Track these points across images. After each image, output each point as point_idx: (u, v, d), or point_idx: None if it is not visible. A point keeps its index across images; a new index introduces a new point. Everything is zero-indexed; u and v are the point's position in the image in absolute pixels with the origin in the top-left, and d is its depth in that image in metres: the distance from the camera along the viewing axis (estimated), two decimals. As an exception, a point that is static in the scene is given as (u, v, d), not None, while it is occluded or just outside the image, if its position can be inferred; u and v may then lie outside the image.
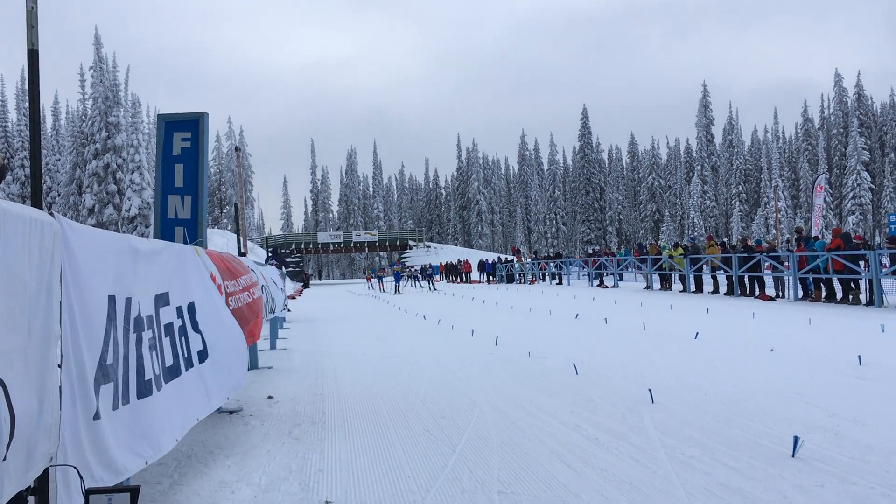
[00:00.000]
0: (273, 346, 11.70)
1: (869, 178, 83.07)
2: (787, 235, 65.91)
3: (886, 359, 8.18)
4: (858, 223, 77.39)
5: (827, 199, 79.98)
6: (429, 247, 79.17)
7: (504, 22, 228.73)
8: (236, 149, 28.68)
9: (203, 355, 4.47)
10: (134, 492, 2.52)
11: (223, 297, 5.17)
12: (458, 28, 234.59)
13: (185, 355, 4.19)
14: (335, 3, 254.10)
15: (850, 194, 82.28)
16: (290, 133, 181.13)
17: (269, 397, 7.12)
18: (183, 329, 4.21)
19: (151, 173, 56.73)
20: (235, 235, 10.22)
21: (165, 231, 6.28)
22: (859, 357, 7.95)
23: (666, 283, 25.85)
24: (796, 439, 4.42)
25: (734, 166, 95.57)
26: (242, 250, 29.81)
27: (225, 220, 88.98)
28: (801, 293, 18.37)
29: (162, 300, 3.83)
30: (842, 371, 7.48)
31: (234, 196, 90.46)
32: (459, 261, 56.23)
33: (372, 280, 44.62)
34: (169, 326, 3.90)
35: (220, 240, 56.14)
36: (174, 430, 3.71)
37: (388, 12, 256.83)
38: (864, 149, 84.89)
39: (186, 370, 4.14)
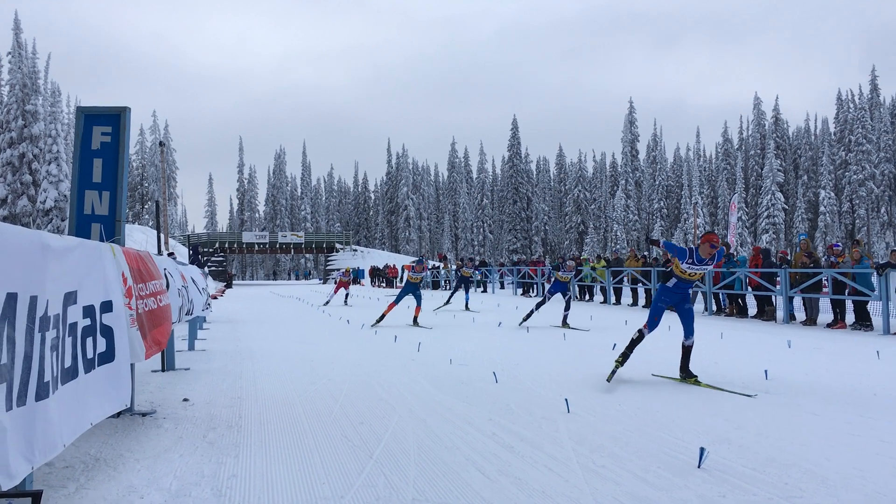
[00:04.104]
0: (191, 347, 11.46)
1: (783, 199, 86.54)
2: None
3: (791, 374, 8.55)
4: (772, 241, 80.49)
5: (743, 217, 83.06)
6: (355, 250, 78.78)
7: (441, 29, 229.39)
8: (161, 144, 28.07)
9: (107, 357, 4.35)
10: (36, 496, 2.45)
11: (132, 299, 5.04)
12: (393, 33, 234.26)
13: (90, 356, 4.06)
14: (273, 1, 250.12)
15: (765, 213, 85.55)
16: (217, 130, 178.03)
17: (185, 400, 6.98)
18: (91, 329, 4.08)
19: (69, 165, 54.85)
20: (156, 232, 9.94)
21: (81, 227, 6.08)
22: (766, 371, 8.28)
23: (588, 295, 26.37)
24: (702, 450, 4.59)
25: (657, 182, 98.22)
26: (169, 250, 29.07)
27: (146, 216, 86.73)
28: (714, 307, 19.00)
29: (70, 298, 3.71)
30: (749, 385, 7.77)
31: (156, 191, 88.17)
32: (386, 265, 56.20)
33: (346, 286, 27.24)
34: (73, 326, 3.78)
35: (141, 236, 54.69)
36: (64, 434, 3.58)
37: (323, 12, 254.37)
38: (779, 170, 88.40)
39: (88, 372, 4.01)
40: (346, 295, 26.89)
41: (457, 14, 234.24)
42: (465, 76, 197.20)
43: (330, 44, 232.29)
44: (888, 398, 6.84)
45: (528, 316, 15.76)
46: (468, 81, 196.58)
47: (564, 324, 15.51)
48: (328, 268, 76.34)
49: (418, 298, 16.52)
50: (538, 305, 15.99)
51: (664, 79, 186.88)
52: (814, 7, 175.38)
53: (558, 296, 16.68)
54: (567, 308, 15.80)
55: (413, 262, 19.29)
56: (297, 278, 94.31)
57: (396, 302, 16.43)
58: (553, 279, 16.81)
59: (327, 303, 25.66)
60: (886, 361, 9.65)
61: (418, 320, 16.17)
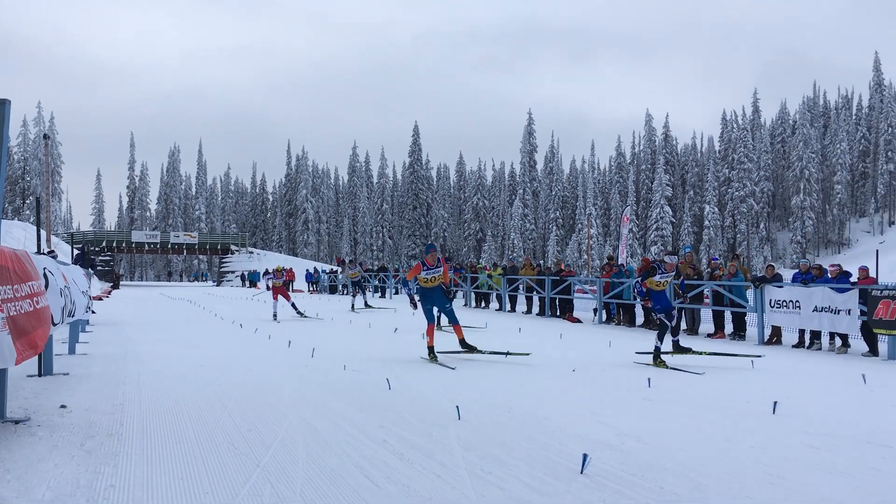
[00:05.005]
0: (72, 351, 10.94)
1: (670, 213, 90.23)
2: (607, 261, 70.13)
3: (671, 381, 8.93)
4: (660, 253, 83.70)
5: (633, 229, 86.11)
6: (251, 252, 77.13)
7: (355, 33, 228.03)
8: (45, 136, 26.75)
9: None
10: None
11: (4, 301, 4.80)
12: (307, 35, 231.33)
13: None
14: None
15: (654, 226, 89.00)
16: (109, 125, 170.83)
17: (62, 406, 6.66)
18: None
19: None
20: (36, 229, 9.33)
21: (-47, 223, 5.73)
22: (649, 379, 8.61)
23: (483, 302, 26.72)
24: (585, 456, 4.73)
25: (553, 192, 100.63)
26: (50, 248, 27.61)
27: (28, 212, 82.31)
28: (605, 317, 19.60)
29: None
30: (633, 392, 8.07)
31: (39, 186, 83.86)
32: (283, 268, 55.26)
33: (286, 293, 20.97)
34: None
35: (20, 233, 51.85)
36: None
37: (234, 10, 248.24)
38: (667, 185, 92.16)
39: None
40: (294, 304, 20.35)
41: (373, 19, 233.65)
42: (374, 81, 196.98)
43: (239, 42, 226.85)
44: (759, 406, 7.23)
45: (657, 355, 10.61)
46: (376, 87, 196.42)
47: (680, 348, 11.02)
48: (222, 269, 74.45)
49: (450, 314, 11.22)
50: (661, 337, 10.70)
51: (572, 92, 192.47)
52: (719, 32, 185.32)
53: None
54: (674, 332, 11.10)
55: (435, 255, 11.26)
56: (196, 279, 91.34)
57: (430, 320, 11.08)
58: (644, 292, 11.22)
59: (275, 315, 19.43)
60: (759, 371, 10.20)
61: (467, 341, 11.12)
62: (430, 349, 10.77)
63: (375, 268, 48.60)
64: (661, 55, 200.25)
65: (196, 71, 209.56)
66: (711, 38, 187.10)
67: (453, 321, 11.16)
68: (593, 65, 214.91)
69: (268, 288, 21.40)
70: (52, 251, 24.69)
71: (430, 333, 10.90)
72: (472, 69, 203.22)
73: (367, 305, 23.04)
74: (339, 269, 46.86)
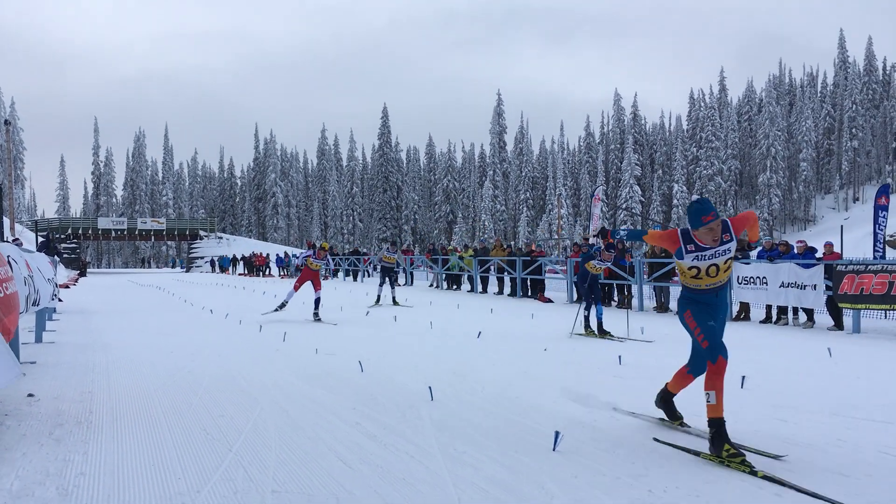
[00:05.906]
0: (39, 340, 10.77)
1: (640, 192, 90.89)
2: (574, 241, 70.38)
3: (640, 358, 9.03)
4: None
5: (603, 208, 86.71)
6: (221, 237, 76.41)
7: (330, 16, 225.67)
8: (6, 122, 26.21)
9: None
10: None
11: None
12: (280, 18, 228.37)
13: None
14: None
15: (624, 205, 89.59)
16: (74, 110, 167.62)
17: (30, 395, 6.56)
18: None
19: None
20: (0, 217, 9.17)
21: None
22: (619, 357, 8.70)
23: (455, 283, 26.77)
24: (557, 434, 4.77)
25: (523, 173, 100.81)
26: (14, 236, 27.11)
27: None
28: (575, 296, 19.72)
29: None
30: (604, 369, 8.16)
31: (1, 174, 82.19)
32: (253, 253, 54.87)
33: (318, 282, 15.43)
34: None
35: (-17, 221, 50.86)
36: None
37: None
38: (636, 164, 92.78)
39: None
40: (317, 301, 15.02)
41: (348, 2, 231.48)
42: (345, 64, 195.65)
43: (210, 26, 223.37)
44: (727, 380, 7.31)
45: None
46: (346, 70, 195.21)
47: None
48: (191, 255, 73.72)
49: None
50: None
51: (548, 73, 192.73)
52: (690, 11, 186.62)
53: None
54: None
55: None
56: (173, 266, 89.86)
57: (723, 352, 5.15)
58: None
59: (284, 305, 15.42)
60: (728, 346, 10.32)
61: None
62: (718, 426, 4.63)
63: (348, 251, 48.35)
64: (634, 35, 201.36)
65: (165, 55, 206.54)
66: (683, 18, 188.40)
67: (700, 366, 5.24)
68: (571, 46, 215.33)
69: (297, 269, 13.42)
70: (17, 239, 24.28)
71: (716, 384, 4.89)
72: (447, 51, 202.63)
73: (394, 301, 19.13)
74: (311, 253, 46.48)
